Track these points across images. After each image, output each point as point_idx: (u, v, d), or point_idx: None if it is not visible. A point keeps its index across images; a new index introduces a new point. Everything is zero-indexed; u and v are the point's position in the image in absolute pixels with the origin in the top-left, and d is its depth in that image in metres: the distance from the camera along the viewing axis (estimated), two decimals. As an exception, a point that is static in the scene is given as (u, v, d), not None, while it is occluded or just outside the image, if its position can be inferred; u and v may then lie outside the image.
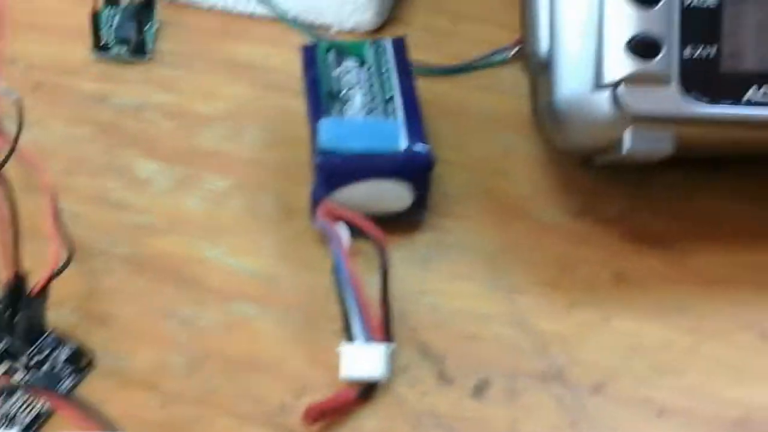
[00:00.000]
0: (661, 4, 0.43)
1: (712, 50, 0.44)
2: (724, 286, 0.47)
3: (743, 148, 0.46)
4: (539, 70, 0.46)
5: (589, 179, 0.50)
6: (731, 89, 0.44)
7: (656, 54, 0.43)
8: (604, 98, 0.44)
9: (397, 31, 0.55)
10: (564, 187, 0.50)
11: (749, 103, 0.44)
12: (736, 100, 0.44)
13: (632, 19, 0.43)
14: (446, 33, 0.56)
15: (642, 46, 0.43)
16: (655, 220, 0.49)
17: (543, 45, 0.45)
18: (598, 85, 0.44)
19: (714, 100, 0.44)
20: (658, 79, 0.43)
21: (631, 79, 0.43)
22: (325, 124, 0.46)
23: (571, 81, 0.44)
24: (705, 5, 0.43)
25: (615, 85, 0.43)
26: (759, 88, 0.44)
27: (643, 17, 0.43)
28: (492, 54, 0.54)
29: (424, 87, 0.51)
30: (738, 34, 0.44)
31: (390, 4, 0.55)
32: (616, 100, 0.44)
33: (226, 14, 0.55)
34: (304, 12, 0.54)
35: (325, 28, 0.55)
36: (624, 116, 0.44)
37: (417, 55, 0.52)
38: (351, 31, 0.55)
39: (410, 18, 0.56)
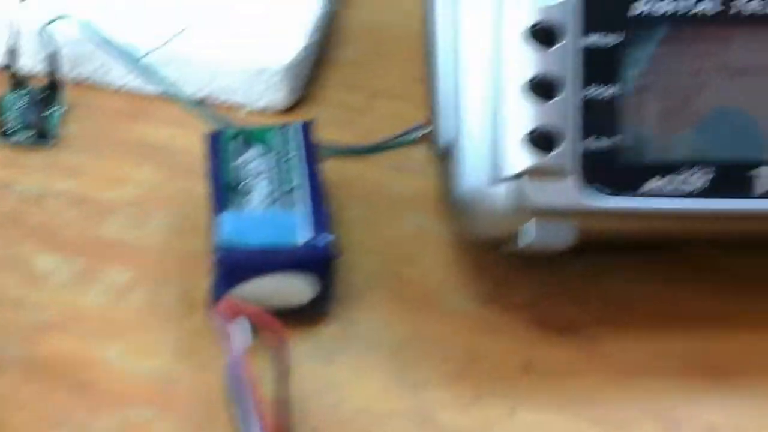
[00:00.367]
0: (559, 96, 0.43)
1: (613, 141, 0.43)
2: (633, 375, 0.46)
3: (650, 236, 0.46)
4: (443, 157, 0.46)
5: (499, 264, 0.49)
6: (632, 181, 0.44)
7: (555, 147, 0.43)
8: (504, 191, 0.44)
9: (312, 109, 0.55)
10: (474, 273, 0.49)
11: (651, 194, 0.44)
12: (637, 192, 0.44)
13: (531, 112, 0.43)
14: (361, 110, 0.55)
15: (541, 140, 0.43)
16: (565, 305, 0.48)
17: (446, 133, 0.45)
18: (498, 178, 0.44)
19: (615, 192, 0.43)
20: (557, 172, 0.43)
21: (529, 173, 0.43)
22: (224, 219, 0.45)
23: (473, 172, 0.44)
24: (605, 96, 0.43)
25: (514, 178, 0.43)
26: (661, 178, 0.44)
27: (541, 110, 0.43)
28: (405, 133, 0.53)
29: (336, 168, 0.52)
30: (639, 125, 0.44)
31: (303, 82, 0.55)
32: (515, 193, 0.43)
33: (135, 95, 0.55)
34: (216, 92, 0.54)
35: (238, 108, 0.54)
36: (524, 210, 0.43)
37: (330, 133, 0.53)
38: (263, 111, 0.54)
39: (325, 95, 0.56)
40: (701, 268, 0.49)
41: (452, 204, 0.45)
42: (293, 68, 0.53)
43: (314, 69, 0.56)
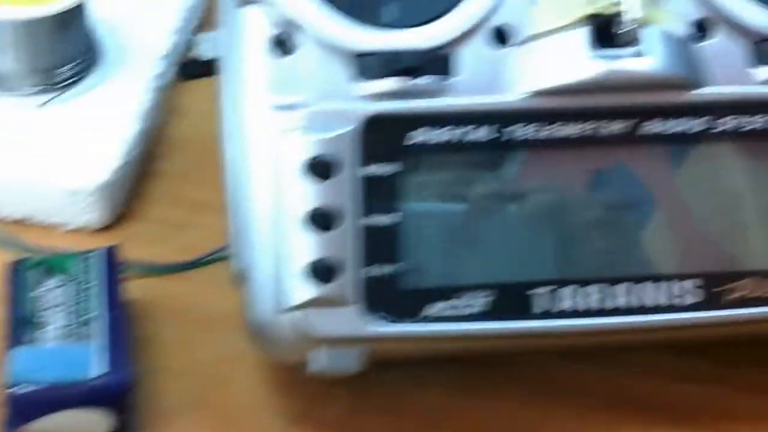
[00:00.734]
0: (338, 227, 0.43)
1: (394, 268, 0.44)
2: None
3: (441, 356, 0.47)
4: (240, 280, 0.46)
5: (313, 380, 0.49)
6: (414, 306, 0.44)
7: (335, 277, 0.44)
8: (289, 320, 0.44)
9: (132, 225, 0.55)
10: (287, 391, 0.50)
11: (432, 319, 0.44)
12: (418, 318, 0.44)
13: (310, 244, 0.44)
14: (182, 225, 0.56)
15: (320, 271, 0.43)
16: (375, 420, 0.49)
17: (240, 259, 0.46)
18: (283, 307, 0.44)
19: (397, 318, 0.44)
20: (337, 302, 0.44)
21: (311, 304, 0.44)
22: (16, 354, 0.45)
23: (262, 300, 0.45)
24: (385, 224, 0.44)
25: (297, 308, 0.44)
26: (441, 303, 0.44)
27: (320, 242, 0.44)
28: (222, 249, 0.54)
29: (151, 286, 0.52)
30: (419, 251, 0.44)
31: (121, 200, 0.55)
32: (299, 323, 0.44)
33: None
34: (32, 213, 0.54)
35: (55, 228, 0.55)
36: (309, 338, 0.44)
37: (149, 250, 0.53)
38: (80, 230, 0.55)
39: (146, 210, 0.56)
40: (516, 378, 0.50)
41: (248, 328, 0.46)
42: (107, 188, 0.54)
43: (137, 183, 0.57)
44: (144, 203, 0.56)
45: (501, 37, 0.45)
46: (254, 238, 0.44)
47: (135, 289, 0.52)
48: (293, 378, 0.50)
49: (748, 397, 0.50)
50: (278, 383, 0.50)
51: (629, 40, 0.44)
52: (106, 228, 0.55)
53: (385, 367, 0.47)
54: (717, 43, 0.45)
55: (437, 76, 0.44)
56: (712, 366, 0.50)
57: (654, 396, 0.50)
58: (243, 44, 0.44)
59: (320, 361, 0.44)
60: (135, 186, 0.56)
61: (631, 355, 0.50)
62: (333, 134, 0.43)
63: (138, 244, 0.54)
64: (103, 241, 0.53)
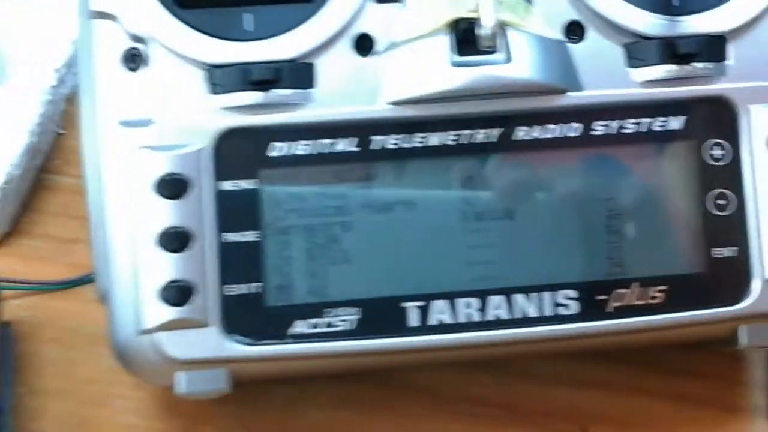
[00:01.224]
0: (192, 247, 0.42)
1: (255, 287, 0.43)
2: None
3: (320, 373, 0.45)
4: (103, 301, 0.45)
5: (193, 401, 0.48)
6: (278, 326, 0.43)
7: (191, 298, 0.42)
8: (147, 343, 0.43)
9: (21, 242, 0.54)
10: (167, 411, 0.48)
11: (297, 338, 0.43)
12: (282, 338, 0.43)
13: (163, 265, 0.42)
14: (73, 241, 0.54)
15: (175, 293, 0.42)
16: (261, 438, 0.48)
17: (102, 280, 0.44)
18: (141, 331, 0.43)
19: (259, 339, 0.43)
20: (195, 323, 0.43)
21: (166, 326, 0.42)
22: None
23: (122, 322, 0.44)
24: (243, 242, 0.43)
25: (153, 331, 0.43)
26: (307, 321, 0.43)
27: (173, 262, 0.42)
28: (111, 264, 0.53)
29: (39, 304, 0.51)
30: (282, 268, 0.43)
31: (10, 216, 0.54)
32: (157, 345, 0.43)
33: None
34: None
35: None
36: (167, 361, 0.43)
37: (38, 267, 0.52)
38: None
39: (37, 227, 0.54)
40: (411, 389, 0.49)
41: (112, 350, 0.45)
42: (-9, 205, 0.53)
43: (29, 197, 0.55)
44: (37, 218, 0.55)
45: (363, 45, 0.44)
46: (112, 259, 0.43)
47: (18, 307, 0.51)
48: (176, 397, 0.48)
49: (656, 402, 0.49)
50: (160, 402, 0.48)
51: (491, 45, 0.42)
52: (-6, 245, 0.54)
53: (272, 383, 0.46)
54: (590, 45, 0.44)
55: (297, 88, 0.43)
56: (618, 372, 0.49)
57: (555, 404, 0.49)
58: (95, 57, 0.43)
59: (184, 383, 0.43)
60: (26, 200, 0.55)
61: (532, 363, 0.49)
62: (185, 150, 0.42)
63: (26, 261, 0.52)
64: (-10, 258, 0.52)
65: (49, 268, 0.53)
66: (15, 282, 0.51)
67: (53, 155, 0.58)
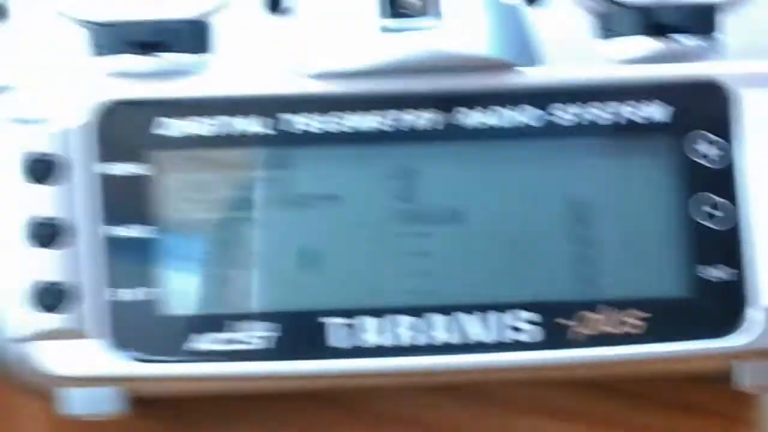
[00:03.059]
0: (69, 242, 0.36)
1: (145, 292, 0.37)
2: None
3: (233, 393, 0.39)
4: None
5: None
6: (174, 341, 0.37)
7: (67, 304, 0.37)
8: (20, 354, 0.37)
9: None
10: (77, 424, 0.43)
11: (197, 356, 0.37)
12: (179, 354, 0.37)
13: (32, 262, 0.37)
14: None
15: (46, 296, 0.36)
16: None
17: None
18: (8, 339, 0.37)
19: (151, 356, 0.37)
20: (75, 334, 0.37)
21: (37, 336, 0.37)
22: None
23: (-4, 330, 0.38)
24: (131, 238, 0.37)
25: (23, 341, 0.37)
26: (209, 336, 0.37)
27: (45, 259, 0.37)
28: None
29: None
30: (179, 270, 0.37)
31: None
32: (30, 358, 0.37)
33: None
34: None
35: None
36: (44, 377, 0.37)
37: None
38: None
39: None
40: (341, 406, 0.42)
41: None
42: None
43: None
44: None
45: (273, 2, 0.38)
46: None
47: None
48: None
49: None
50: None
51: (416, 7, 0.36)
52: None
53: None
54: (552, 10, 0.37)
55: (190, 53, 0.37)
56: (601, 402, 0.42)
57: None
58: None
59: (69, 404, 0.37)
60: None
61: (498, 387, 0.43)
62: (58, 125, 0.36)
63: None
64: None
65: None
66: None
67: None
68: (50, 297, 0.36)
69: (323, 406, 0.43)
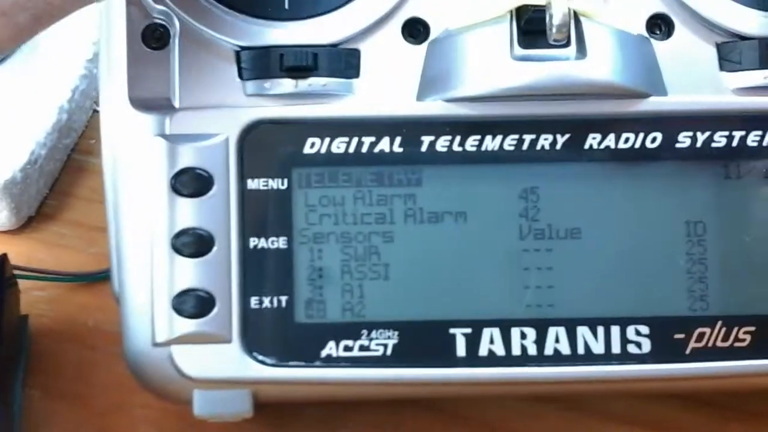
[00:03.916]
0: (213, 252, 0.39)
1: (282, 302, 0.39)
2: None
3: (354, 398, 0.41)
4: (117, 302, 0.41)
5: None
6: (306, 347, 0.39)
7: (209, 310, 0.39)
8: (162, 356, 0.40)
9: (45, 228, 0.51)
10: (188, 427, 0.44)
11: (329, 362, 0.39)
12: (312, 361, 0.39)
13: (179, 271, 0.39)
14: (101, 229, 0.49)
15: (191, 302, 0.39)
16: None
17: (115, 284, 0.41)
18: (154, 343, 0.39)
19: (284, 360, 0.39)
20: (214, 339, 0.39)
21: (182, 340, 0.39)
22: None
23: (136, 331, 0.40)
24: (270, 250, 0.39)
25: (167, 344, 0.39)
26: (340, 343, 0.39)
27: (191, 269, 0.39)
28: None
29: (61, 297, 0.48)
30: (314, 280, 0.39)
31: (34, 198, 0.51)
32: (172, 360, 0.39)
33: None
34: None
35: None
36: (183, 378, 0.39)
37: (61, 256, 0.49)
38: (-8, 230, 0.51)
39: (64, 212, 0.52)
40: (448, 417, 0.44)
41: (126, 360, 0.41)
42: (13, 187, 0.49)
43: (58, 179, 0.52)
44: (63, 202, 0.52)
45: (414, 31, 0.40)
46: (125, 259, 0.40)
47: (39, 299, 0.48)
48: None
49: None
50: (183, 416, 0.44)
51: (561, 38, 0.38)
52: (17, 230, 0.51)
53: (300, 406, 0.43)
54: (678, 42, 0.39)
55: (337, 77, 0.39)
56: (698, 414, 0.44)
57: None
58: (115, 32, 0.40)
59: (201, 404, 0.40)
60: (54, 182, 0.52)
61: (604, 399, 0.45)
62: (207, 142, 0.39)
63: (49, 248, 0.50)
64: (11, 245, 0.49)
65: (73, 257, 0.50)
66: (29, 270, 0.48)
67: (88, 134, 0.55)
68: (193, 304, 0.39)
69: (420, 413, 0.45)
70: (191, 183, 0.39)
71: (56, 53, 0.54)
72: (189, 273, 0.39)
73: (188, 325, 0.39)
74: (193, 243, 0.39)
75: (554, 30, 0.37)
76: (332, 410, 0.45)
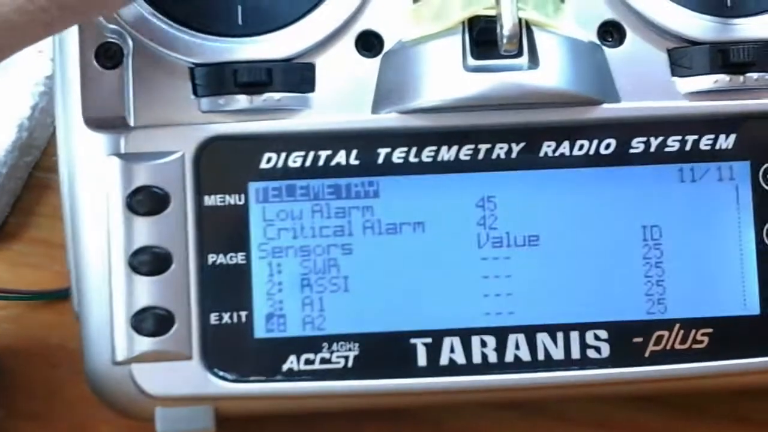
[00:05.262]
0: (170, 271, 0.38)
1: (241, 316, 0.39)
2: None
3: (315, 411, 0.41)
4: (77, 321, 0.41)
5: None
6: (266, 361, 0.39)
7: (168, 328, 0.39)
8: (122, 375, 0.39)
9: (7, 247, 0.50)
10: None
11: (289, 375, 0.39)
12: (273, 375, 0.39)
13: (137, 289, 0.39)
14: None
15: (149, 321, 0.39)
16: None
17: (75, 302, 0.40)
18: (115, 362, 0.39)
19: (245, 376, 0.39)
20: (174, 356, 0.39)
21: (140, 358, 0.39)
22: None
23: (97, 351, 0.40)
24: (229, 266, 0.39)
25: (126, 363, 0.39)
26: (300, 356, 0.39)
27: (148, 287, 0.39)
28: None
29: (24, 316, 0.47)
30: (272, 295, 0.39)
31: (-4, 215, 0.50)
32: (131, 378, 0.39)
33: None
34: None
35: None
36: (143, 395, 0.39)
37: (25, 275, 0.48)
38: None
39: (26, 230, 0.50)
40: (413, 425, 0.44)
41: (87, 379, 0.41)
42: (-25, 203, 0.49)
43: (19, 197, 0.52)
44: (25, 220, 0.51)
45: (368, 44, 0.40)
46: (85, 279, 0.40)
47: (2, 319, 0.47)
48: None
49: None
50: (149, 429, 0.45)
51: (513, 48, 0.38)
52: (-23, 247, 0.51)
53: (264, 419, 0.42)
54: (630, 49, 0.39)
55: (292, 92, 0.39)
56: (660, 416, 0.44)
57: None
58: (68, 51, 0.39)
59: (163, 421, 0.39)
60: (15, 200, 0.51)
61: (565, 404, 0.44)
62: (162, 160, 0.39)
63: (12, 267, 0.49)
64: (-27, 264, 0.48)
65: (37, 275, 0.49)
66: (8, 292, 0.47)
67: (50, 151, 0.54)
68: (152, 322, 0.39)
69: (383, 423, 0.44)
70: (147, 201, 0.38)
71: (15, 70, 0.53)
72: (147, 291, 0.39)
73: (148, 344, 0.39)
74: (150, 261, 0.38)
75: (505, 40, 0.37)
76: (296, 422, 0.45)
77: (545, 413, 0.45)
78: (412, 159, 0.39)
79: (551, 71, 0.38)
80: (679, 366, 0.39)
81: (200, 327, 0.39)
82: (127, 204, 0.38)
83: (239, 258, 0.39)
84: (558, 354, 0.39)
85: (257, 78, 0.38)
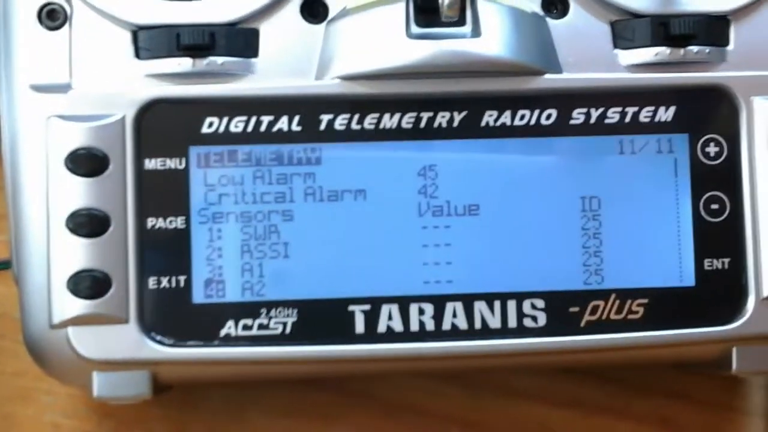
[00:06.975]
0: (107, 233, 0.38)
1: (179, 281, 0.38)
2: None
3: (254, 379, 0.40)
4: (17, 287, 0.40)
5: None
6: (204, 326, 0.39)
7: (105, 291, 0.38)
8: (58, 338, 0.39)
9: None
10: (95, 412, 0.44)
11: (227, 341, 0.39)
12: (210, 340, 0.38)
13: (74, 251, 0.38)
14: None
15: (86, 283, 0.38)
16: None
17: (15, 267, 0.40)
18: (52, 325, 0.38)
19: (182, 340, 0.38)
20: (111, 320, 0.38)
21: (76, 321, 0.38)
22: None
23: (34, 315, 0.39)
24: (167, 230, 0.38)
25: (63, 326, 0.38)
26: (239, 321, 0.39)
27: (86, 249, 0.38)
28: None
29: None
30: (211, 261, 0.39)
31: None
32: (68, 342, 0.38)
33: None
34: None
35: None
36: (80, 360, 0.38)
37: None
38: None
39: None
40: (358, 397, 0.44)
41: (25, 344, 0.40)
42: None
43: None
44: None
45: (313, 10, 0.39)
46: (23, 241, 0.39)
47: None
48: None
49: (641, 427, 0.44)
50: (90, 402, 0.44)
51: (454, 15, 0.37)
52: None
53: (214, 388, 0.42)
54: (573, 21, 0.39)
55: (235, 56, 0.38)
56: (601, 390, 0.44)
57: (527, 424, 0.44)
58: (10, 12, 0.39)
59: (99, 386, 0.39)
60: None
61: (505, 376, 0.44)
62: (102, 122, 0.38)
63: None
64: None
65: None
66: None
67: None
68: (89, 285, 0.38)
69: (329, 395, 0.44)
70: (86, 163, 0.38)
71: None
72: (84, 253, 0.38)
73: (84, 306, 0.38)
74: (88, 223, 0.38)
75: (445, 7, 0.37)
76: (243, 393, 0.45)
77: (487, 386, 0.45)
78: (354, 126, 0.38)
79: (493, 40, 0.38)
80: (614, 335, 0.39)
81: (138, 291, 0.38)
82: (66, 165, 0.38)
83: (179, 222, 0.38)
84: (495, 323, 0.39)
85: (200, 41, 0.38)
